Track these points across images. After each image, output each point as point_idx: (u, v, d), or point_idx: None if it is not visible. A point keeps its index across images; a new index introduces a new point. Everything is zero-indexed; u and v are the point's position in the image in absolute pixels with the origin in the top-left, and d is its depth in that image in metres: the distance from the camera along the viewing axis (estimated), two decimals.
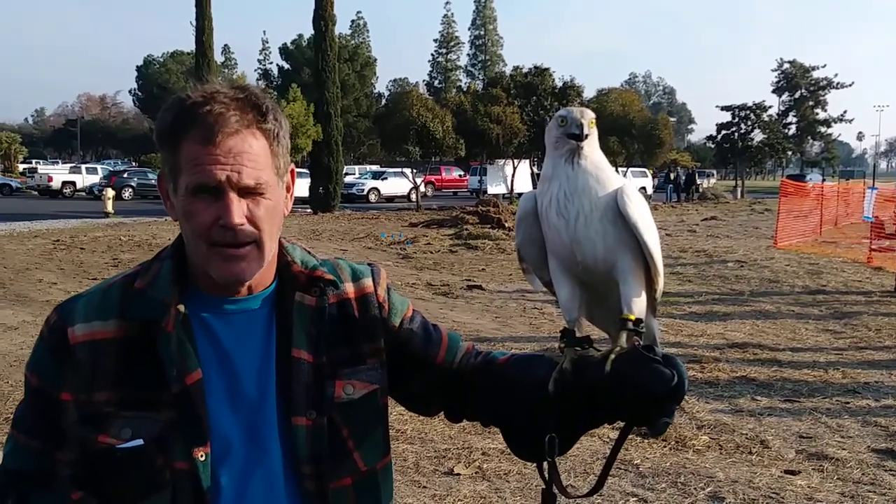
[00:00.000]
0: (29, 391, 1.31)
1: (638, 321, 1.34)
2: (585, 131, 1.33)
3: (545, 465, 1.36)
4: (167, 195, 1.32)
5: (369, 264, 1.51)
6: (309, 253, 1.43)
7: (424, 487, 4.57)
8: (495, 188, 42.13)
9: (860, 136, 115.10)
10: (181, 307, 1.29)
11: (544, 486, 1.38)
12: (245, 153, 1.24)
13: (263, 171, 1.26)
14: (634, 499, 4.42)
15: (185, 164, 1.24)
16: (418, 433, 5.44)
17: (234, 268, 1.26)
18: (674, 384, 1.21)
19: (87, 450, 1.26)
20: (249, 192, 1.25)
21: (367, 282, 1.45)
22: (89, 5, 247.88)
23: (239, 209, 1.24)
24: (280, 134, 1.30)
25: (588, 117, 1.34)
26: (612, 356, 1.28)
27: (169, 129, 1.25)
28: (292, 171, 1.38)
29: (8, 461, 1.32)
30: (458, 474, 4.77)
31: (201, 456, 1.25)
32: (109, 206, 28.57)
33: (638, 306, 1.34)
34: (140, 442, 1.24)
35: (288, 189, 1.37)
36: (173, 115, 1.25)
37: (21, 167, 54.25)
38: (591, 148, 1.35)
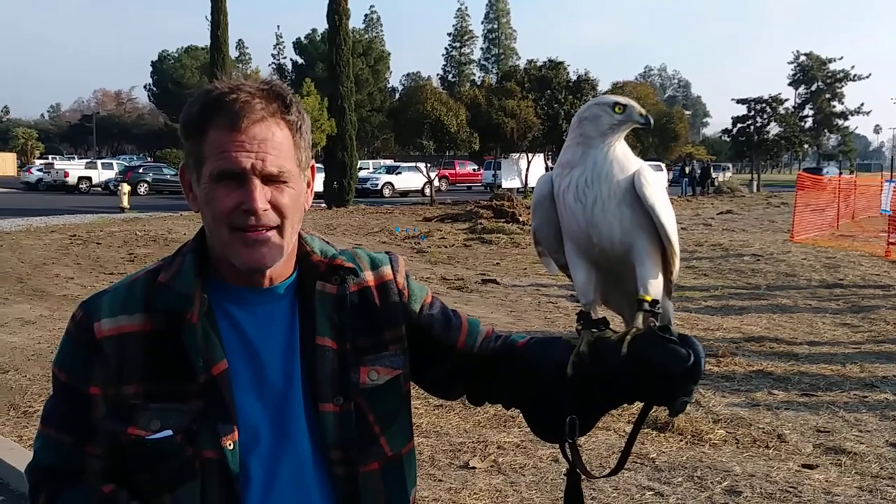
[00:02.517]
0: (57, 387, 1.33)
1: (654, 302, 1.34)
2: (651, 120, 1.38)
3: (567, 446, 1.37)
4: (189, 187, 1.33)
5: (387, 252, 1.52)
6: (327, 243, 1.44)
7: (440, 481, 4.58)
8: (509, 182, 42.08)
9: (877, 129, 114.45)
10: (205, 298, 1.30)
11: (567, 469, 1.39)
12: (269, 141, 1.26)
13: (287, 160, 1.28)
14: (651, 492, 4.41)
15: (211, 152, 1.25)
16: (433, 427, 5.45)
17: (255, 253, 1.27)
18: (690, 364, 1.22)
19: (118, 443, 1.28)
20: (272, 180, 1.27)
21: (386, 269, 1.46)
22: (105, 2, 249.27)
23: (262, 195, 1.25)
24: (303, 127, 1.33)
25: (640, 105, 1.38)
26: (629, 337, 1.29)
27: (195, 119, 1.27)
28: (312, 168, 1.40)
29: (39, 457, 1.34)
30: (474, 468, 4.77)
31: (230, 445, 1.26)
32: (125, 202, 28.74)
33: (654, 288, 1.34)
34: (169, 433, 1.26)
35: (308, 185, 1.39)
36: (200, 105, 1.27)
37: (38, 162, 54.60)
38: (623, 137, 1.38)
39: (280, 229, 1.28)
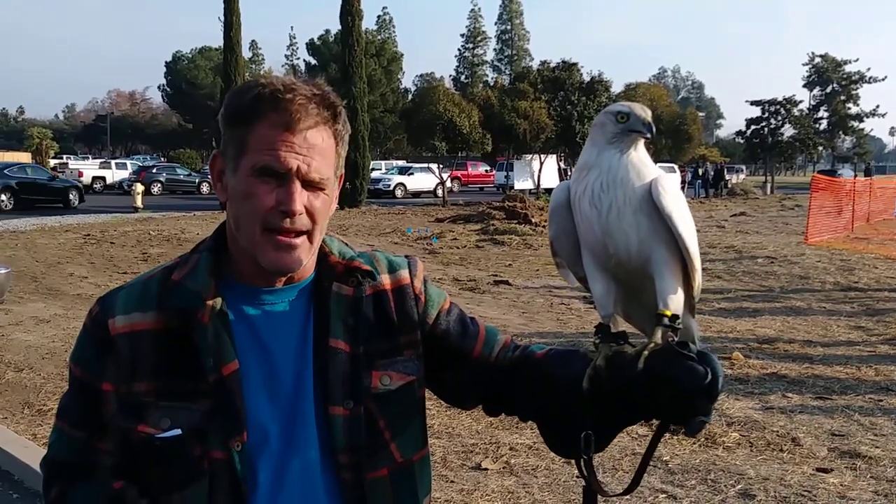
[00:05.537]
0: (72, 382, 1.34)
1: (674, 317, 1.30)
2: (653, 129, 1.33)
3: (582, 461, 1.34)
4: (220, 176, 1.33)
5: (406, 256, 1.50)
6: (346, 245, 1.44)
7: (452, 482, 4.57)
8: (522, 184, 42.01)
9: (892, 132, 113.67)
10: (218, 298, 1.30)
11: (584, 484, 1.36)
12: (317, 147, 1.27)
13: (327, 168, 1.30)
14: (664, 495, 4.39)
15: (256, 146, 1.25)
16: (445, 428, 5.44)
17: (284, 256, 1.27)
18: (707, 382, 1.19)
19: (128, 439, 1.28)
20: (311, 186, 1.28)
21: (404, 273, 1.45)
22: (120, 2, 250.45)
23: (300, 198, 1.26)
24: (345, 137, 1.35)
25: (649, 115, 1.33)
26: (646, 353, 1.26)
27: (247, 109, 1.27)
28: (341, 177, 1.40)
29: (54, 450, 1.35)
30: (486, 469, 4.76)
31: (238, 446, 1.26)
32: (139, 201, 28.90)
33: (674, 302, 1.31)
34: (178, 431, 1.26)
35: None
36: (253, 97, 1.26)
37: (52, 162, 54.92)
38: (641, 142, 1.34)
39: (310, 234, 1.29)
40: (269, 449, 1.29)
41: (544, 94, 39.05)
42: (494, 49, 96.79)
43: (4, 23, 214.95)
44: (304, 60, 71.51)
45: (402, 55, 69.99)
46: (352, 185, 31.36)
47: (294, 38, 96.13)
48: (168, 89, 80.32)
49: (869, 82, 68.22)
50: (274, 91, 1.25)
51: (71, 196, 29.85)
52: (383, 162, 54.69)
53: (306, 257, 1.30)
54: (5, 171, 28.67)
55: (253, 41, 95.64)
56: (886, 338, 8.35)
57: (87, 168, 46.29)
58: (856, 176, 37.32)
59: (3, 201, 27.17)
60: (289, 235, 1.27)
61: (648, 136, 1.32)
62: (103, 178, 43.78)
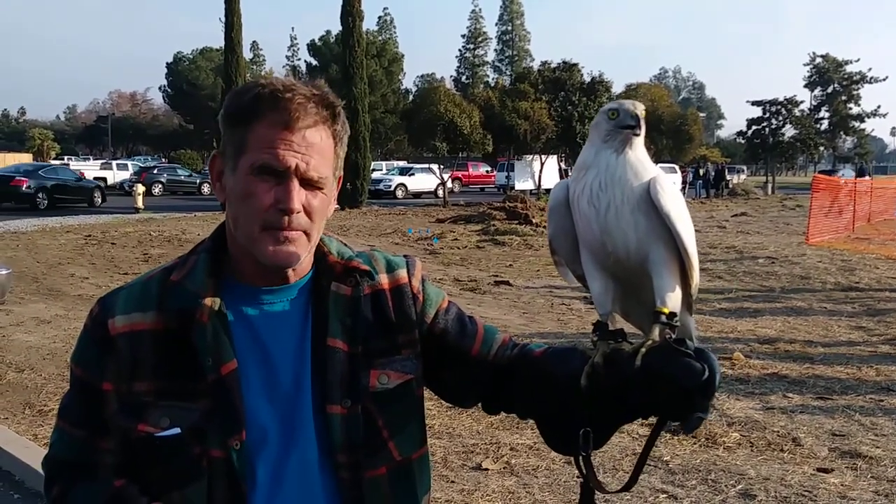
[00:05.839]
0: (73, 381, 1.35)
1: (671, 315, 1.31)
2: (641, 122, 1.32)
3: (580, 459, 1.35)
4: (219, 176, 1.34)
5: (405, 256, 1.51)
6: (345, 245, 1.44)
7: (452, 482, 4.57)
8: (522, 184, 42.01)
9: (894, 132, 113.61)
10: (217, 299, 1.31)
11: (581, 481, 1.37)
12: (316, 146, 1.28)
13: (326, 168, 1.30)
14: (664, 495, 4.39)
15: (255, 145, 1.26)
16: (446, 428, 5.44)
17: (283, 251, 1.28)
18: (704, 378, 1.19)
19: (128, 438, 1.29)
20: (310, 184, 1.28)
21: (402, 273, 1.45)
22: (121, 3, 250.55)
23: (298, 197, 1.26)
24: (344, 138, 1.36)
25: (640, 109, 1.32)
26: (643, 349, 1.26)
27: (246, 108, 1.28)
28: (340, 178, 1.40)
29: (55, 450, 1.36)
30: (486, 469, 4.76)
31: (236, 445, 1.27)
32: (140, 202, 28.94)
33: (672, 300, 1.31)
34: (177, 430, 1.27)
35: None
36: (252, 97, 1.28)
37: (53, 163, 54.98)
38: (638, 141, 1.33)
39: (308, 232, 1.30)
40: (267, 448, 1.30)
41: (545, 95, 39.06)
42: (495, 50, 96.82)
43: (4, 23, 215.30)
44: (305, 61, 71.53)
45: (402, 56, 69.98)
46: (352, 185, 31.36)
47: (295, 38, 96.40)
48: (169, 90, 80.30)
49: (870, 82, 68.16)
50: (273, 91, 1.26)
51: (95, 196, 31.62)
52: (384, 162, 54.69)
53: (304, 253, 1.31)
54: (40, 173, 30.50)
55: (254, 42, 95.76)
56: (887, 338, 8.34)
57: (89, 169, 46.32)
58: (856, 176, 37.28)
59: (39, 200, 28.70)
60: (288, 230, 1.27)
61: (638, 130, 1.31)
62: (104, 179, 43.72)
